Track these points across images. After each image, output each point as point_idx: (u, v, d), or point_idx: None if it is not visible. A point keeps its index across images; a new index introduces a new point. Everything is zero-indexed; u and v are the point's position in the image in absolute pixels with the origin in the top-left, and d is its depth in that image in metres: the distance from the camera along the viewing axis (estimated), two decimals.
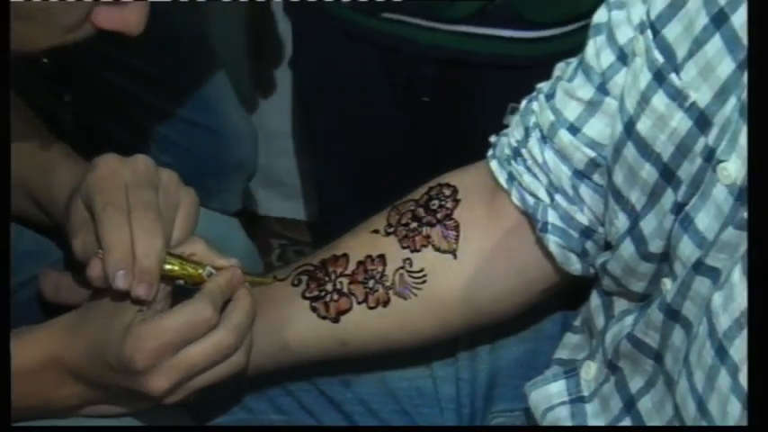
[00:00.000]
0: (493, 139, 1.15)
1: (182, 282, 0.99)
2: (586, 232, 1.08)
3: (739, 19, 0.91)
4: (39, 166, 1.14)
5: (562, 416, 1.08)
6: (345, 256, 1.12)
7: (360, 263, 1.12)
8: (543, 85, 1.11)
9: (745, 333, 0.83)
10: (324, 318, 1.11)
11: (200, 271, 1.00)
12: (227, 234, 1.35)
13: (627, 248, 1.01)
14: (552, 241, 1.08)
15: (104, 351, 0.96)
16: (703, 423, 0.89)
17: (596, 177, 1.06)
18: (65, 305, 1.13)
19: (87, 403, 1.03)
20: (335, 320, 1.11)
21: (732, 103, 0.89)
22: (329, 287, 1.11)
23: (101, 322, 0.97)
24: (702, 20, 0.93)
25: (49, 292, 1.14)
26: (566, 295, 1.18)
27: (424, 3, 1.40)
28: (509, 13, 1.37)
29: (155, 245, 0.95)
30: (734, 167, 0.88)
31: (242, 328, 1.00)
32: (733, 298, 0.84)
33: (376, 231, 1.13)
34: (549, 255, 1.09)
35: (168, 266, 0.98)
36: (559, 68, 1.11)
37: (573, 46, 1.24)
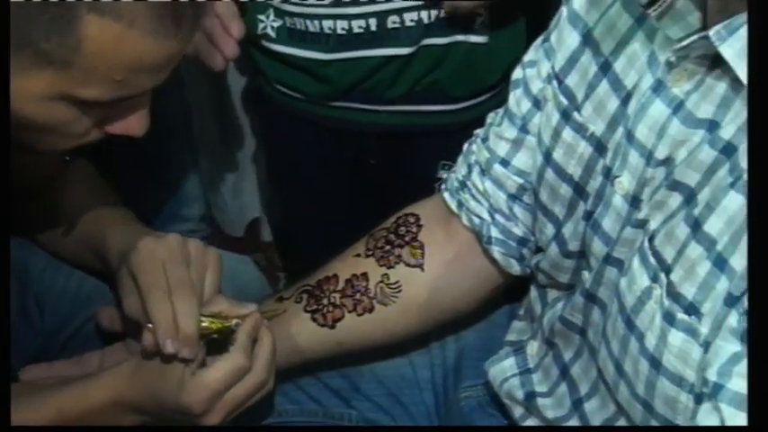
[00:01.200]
0: (444, 176, 1.16)
1: (215, 335, 1.02)
2: (522, 241, 1.10)
3: (620, 65, 0.93)
4: (97, 227, 1.16)
5: (515, 385, 1.09)
6: (336, 276, 1.13)
7: (347, 280, 1.13)
8: (479, 131, 1.13)
9: (647, 307, 0.85)
10: (322, 326, 1.12)
11: (228, 324, 1.02)
12: (243, 269, 1.35)
13: (553, 250, 1.02)
14: (496, 251, 1.09)
15: (163, 396, 0.99)
16: (621, 382, 0.90)
17: (526, 198, 1.07)
18: (117, 333, 1.14)
19: (144, 423, 1.06)
20: (332, 327, 1.12)
21: (620, 131, 0.91)
22: (325, 301, 1.12)
23: (156, 371, 1.00)
24: (593, 69, 0.96)
25: (106, 323, 1.15)
26: (510, 292, 1.18)
27: (364, 90, 1.39)
28: (432, 92, 1.38)
29: (193, 314, 0.98)
30: (626, 180, 0.90)
31: (270, 364, 1.02)
32: (634, 281, 0.86)
33: (358, 255, 1.14)
34: (494, 261, 1.11)
35: (204, 325, 1.00)
36: (490, 117, 1.12)
37: (483, 112, 1.24)
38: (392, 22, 1.31)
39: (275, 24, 1.36)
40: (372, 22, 1.31)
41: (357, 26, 1.32)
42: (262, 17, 1.37)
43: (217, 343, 1.02)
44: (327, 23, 1.32)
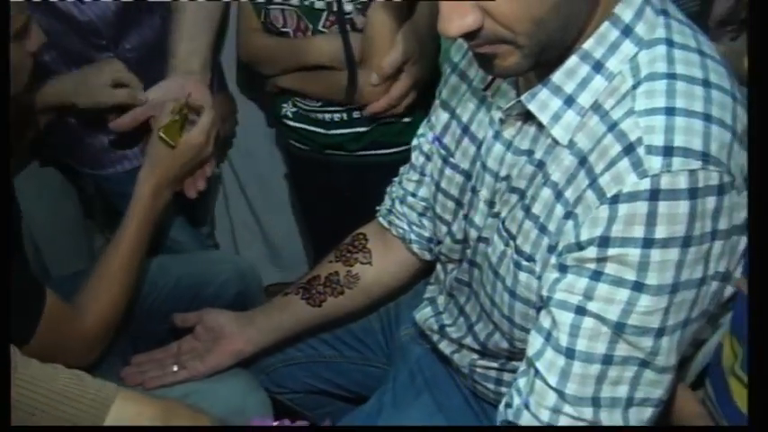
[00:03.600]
0: (378, 207, 1.20)
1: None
2: (430, 240, 1.14)
3: (474, 126, 0.97)
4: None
5: (432, 322, 1.13)
6: (318, 275, 1.19)
7: (326, 277, 1.19)
8: (396, 178, 1.18)
9: (504, 262, 0.90)
10: (314, 306, 1.18)
11: (184, 112, 1.17)
12: (249, 273, 1.40)
13: (448, 241, 1.06)
14: (415, 248, 1.16)
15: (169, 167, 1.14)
16: (494, 309, 0.94)
17: (429, 214, 1.12)
18: (186, 329, 1.22)
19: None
20: (320, 306, 1.18)
21: (478, 164, 0.96)
22: (314, 291, 1.18)
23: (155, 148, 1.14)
24: (458, 132, 1.01)
25: (179, 323, 1.24)
26: (425, 270, 1.21)
27: (341, 146, 1.46)
28: (379, 143, 1.44)
29: None
30: (485, 192, 0.95)
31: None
32: (496, 248, 0.93)
33: (331, 261, 1.20)
34: (414, 254, 1.17)
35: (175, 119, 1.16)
36: (402, 168, 1.18)
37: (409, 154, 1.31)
38: (356, 114, 1.43)
39: (292, 110, 1.49)
40: (344, 115, 1.44)
41: (336, 116, 1.44)
42: (284, 105, 1.49)
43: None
44: (320, 115, 1.45)
